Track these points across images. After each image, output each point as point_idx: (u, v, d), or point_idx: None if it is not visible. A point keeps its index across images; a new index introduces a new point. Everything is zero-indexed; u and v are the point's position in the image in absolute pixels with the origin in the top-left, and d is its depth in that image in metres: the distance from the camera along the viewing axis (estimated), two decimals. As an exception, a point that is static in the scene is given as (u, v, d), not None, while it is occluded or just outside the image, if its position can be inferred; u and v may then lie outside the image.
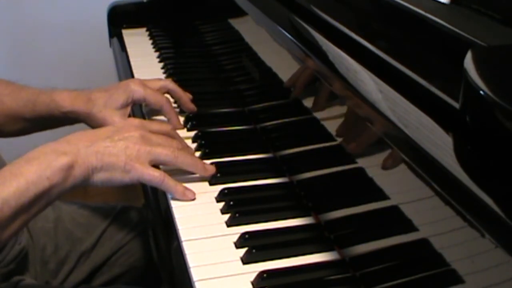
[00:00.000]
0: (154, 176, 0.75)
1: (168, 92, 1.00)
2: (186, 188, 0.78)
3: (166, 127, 0.85)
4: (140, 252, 1.09)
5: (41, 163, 0.70)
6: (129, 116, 0.97)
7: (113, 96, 0.94)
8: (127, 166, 0.74)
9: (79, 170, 0.72)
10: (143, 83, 0.97)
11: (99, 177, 0.74)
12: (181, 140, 0.86)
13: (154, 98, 0.96)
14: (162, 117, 0.99)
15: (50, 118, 0.96)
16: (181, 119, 1.00)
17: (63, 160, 0.71)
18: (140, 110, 1.05)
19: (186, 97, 1.01)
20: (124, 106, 0.94)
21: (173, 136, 0.84)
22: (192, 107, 1.01)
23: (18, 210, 0.68)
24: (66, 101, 0.94)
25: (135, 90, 0.95)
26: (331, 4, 0.84)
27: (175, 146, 0.80)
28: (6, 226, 0.68)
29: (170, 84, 1.00)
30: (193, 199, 0.78)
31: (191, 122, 0.99)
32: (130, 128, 0.78)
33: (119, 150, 0.74)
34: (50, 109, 0.95)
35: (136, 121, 0.82)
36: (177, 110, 1.02)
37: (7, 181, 0.68)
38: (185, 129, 0.98)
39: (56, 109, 0.94)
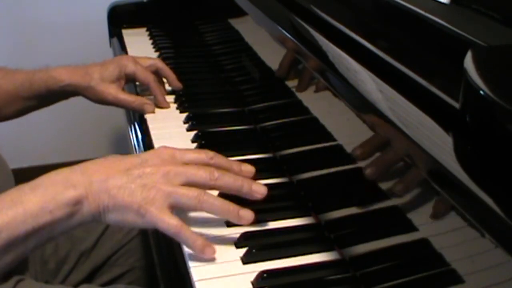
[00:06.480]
0: (170, 224, 0.65)
1: (157, 70, 1.07)
2: (206, 244, 0.66)
3: (205, 156, 0.72)
4: (140, 252, 1.09)
5: (46, 194, 0.63)
6: (123, 89, 1.03)
7: (108, 70, 1.01)
8: (141, 209, 0.64)
9: (88, 207, 0.64)
10: (134, 59, 1.05)
11: (111, 217, 0.66)
12: (231, 164, 0.73)
13: (143, 75, 1.03)
14: (152, 96, 1.06)
15: (48, 94, 1.02)
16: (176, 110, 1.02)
17: (70, 194, 0.63)
18: (134, 87, 1.12)
19: (173, 75, 1.08)
20: (118, 79, 1.02)
21: (216, 164, 0.71)
22: (178, 84, 1.09)
23: (11, 242, 0.61)
24: (64, 75, 1.01)
25: (127, 65, 1.03)
26: (331, 4, 0.84)
27: (210, 180, 0.68)
28: None
29: (159, 63, 1.08)
30: (213, 259, 0.67)
31: (191, 122, 0.99)
32: (155, 162, 0.68)
33: (135, 190, 0.65)
34: (48, 85, 1.00)
35: (166, 151, 0.70)
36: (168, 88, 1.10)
37: (3, 208, 0.61)
38: (185, 129, 0.98)
39: (55, 84, 1.00)
